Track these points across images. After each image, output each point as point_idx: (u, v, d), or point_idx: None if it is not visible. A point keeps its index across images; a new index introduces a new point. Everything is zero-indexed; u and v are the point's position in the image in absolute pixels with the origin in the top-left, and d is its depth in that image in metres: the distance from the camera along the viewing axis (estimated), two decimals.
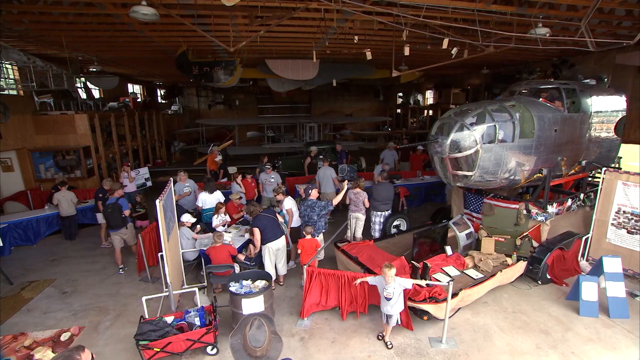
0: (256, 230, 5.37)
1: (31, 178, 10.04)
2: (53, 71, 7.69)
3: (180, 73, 9.31)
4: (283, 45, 9.32)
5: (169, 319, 4.36)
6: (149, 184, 10.71)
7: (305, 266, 4.77)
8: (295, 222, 6.37)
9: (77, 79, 8.73)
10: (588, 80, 7.12)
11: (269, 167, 9.05)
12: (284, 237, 5.61)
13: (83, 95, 12.32)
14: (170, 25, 7.53)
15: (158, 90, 21.91)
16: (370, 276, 4.65)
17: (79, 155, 10.43)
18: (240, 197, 7.62)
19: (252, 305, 4.42)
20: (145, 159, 15.83)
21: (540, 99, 6.16)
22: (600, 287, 4.99)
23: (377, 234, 7.07)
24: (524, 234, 5.94)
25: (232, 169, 10.91)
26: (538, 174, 5.94)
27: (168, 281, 4.57)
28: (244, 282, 4.82)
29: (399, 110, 23.42)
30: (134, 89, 18.58)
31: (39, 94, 9.98)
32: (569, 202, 6.42)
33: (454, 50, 6.94)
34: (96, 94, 14.47)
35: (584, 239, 6.26)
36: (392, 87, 23.72)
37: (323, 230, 5.91)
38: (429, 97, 20.68)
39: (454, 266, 5.65)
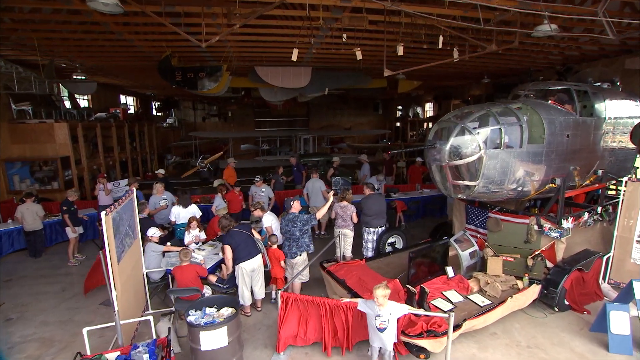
0: (227, 248, 4.67)
1: (3, 190, 9.43)
2: (20, 74, 7.16)
3: (163, 79, 8.82)
4: (271, 51, 8.87)
5: (112, 356, 3.60)
6: None
7: (279, 291, 4.04)
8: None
9: (51, 84, 8.17)
10: (599, 84, 6.52)
11: (259, 179, 8.42)
12: (260, 256, 4.89)
13: (67, 105, 11.86)
14: (149, 27, 7.09)
15: (153, 103, 21.59)
16: (360, 299, 3.92)
17: (57, 166, 9.84)
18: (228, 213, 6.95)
19: (213, 339, 3.67)
20: (136, 172, 15.24)
21: (549, 101, 5.55)
22: (631, 315, 4.21)
23: (369, 253, 6.33)
24: (536, 253, 5.20)
25: (218, 182, 10.30)
26: (550, 185, 5.25)
27: (115, 309, 3.84)
28: (208, 310, 4.07)
29: (398, 124, 23.00)
30: (127, 100, 18.23)
31: (17, 101, 9.49)
32: (585, 216, 5.70)
33: (455, 53, 6.41)
34: (84, 103, 14.07)
35: (604, 258, 5.50)
36: (391, 101, 23.38)
37: (307, 249, 5.17)
38: (429, 109, 20.24)
39: (456, 290, 4.89)
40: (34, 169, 9.86)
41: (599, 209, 5.93)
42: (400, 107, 22.78)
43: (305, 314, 4.13)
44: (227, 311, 4.05)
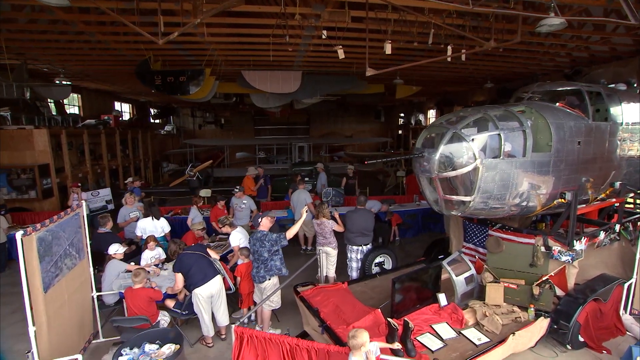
0: (177, 276, 4.05)
1: None
2: None
3: (142, 83, 8.36)
4: (257, 54, 8.38)
5: None
6: (111, 206, 9.55)
7: (233, 325, 3.39)
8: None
9: (21, 88, 7.74)
10: (613, 85, 5.82)
11: (239, 190, 7.84)
12: (218, 277, 4.25)
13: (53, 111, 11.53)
14: (122, 27, 6.63)
15: (151, 110, 21.33)
16: (320, 344, 3.24)
17: (35, 174, 9.40)
18: (204, 228, 6.37)
19: None
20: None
21: (557, 104, 4.88)
22: None
23: (354, 274, 5.65)
24: (544, 279, 4.46)
25: (205, 192, 9.74)
26: (560, 199, 4.54)
27: (32, 348, 3.22)
28: (148, 347, 3.45)
29: (400, 131, 22.38)
30: (122, 107, 17.95)
31: None
32: (602, 235, 4.95)
33: (449, 51, 5.79)
34: (75, 110, 13.76)
35: (626, 285, 4.72)
36: (393, 108, 22.83)
37: (278, 273, 4.50)
38: (431, 116, 19.58)
39: (448, 323, 4.17)
40: (11, 177, 9.44)
41: (617, 227, 5.17)
42: (402, 115, 22.19)
43: (264, 355, 3.45)
44: (169, 349, 3.42)
